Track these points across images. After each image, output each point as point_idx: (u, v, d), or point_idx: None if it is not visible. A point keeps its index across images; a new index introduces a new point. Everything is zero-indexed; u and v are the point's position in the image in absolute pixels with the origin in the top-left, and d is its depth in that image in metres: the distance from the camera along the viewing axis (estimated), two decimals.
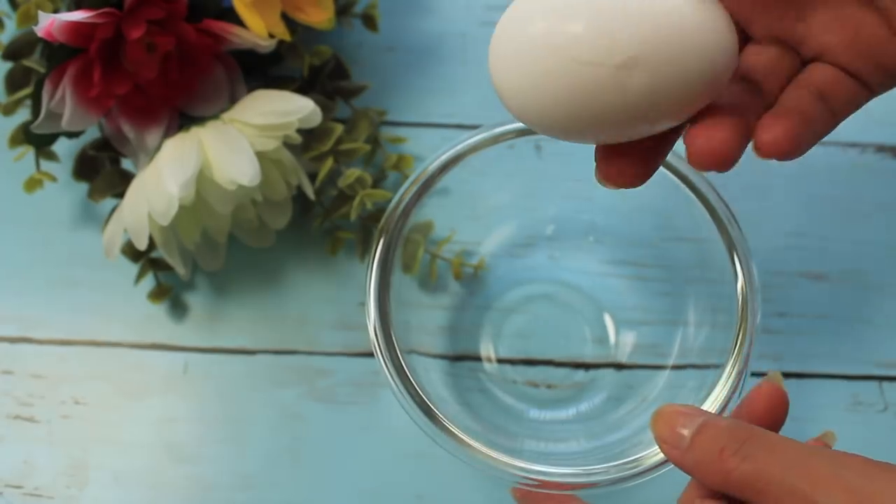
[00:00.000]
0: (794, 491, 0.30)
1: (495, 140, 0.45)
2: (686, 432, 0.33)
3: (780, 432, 0.34)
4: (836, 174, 0.54)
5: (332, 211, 0.50)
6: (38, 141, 0.48)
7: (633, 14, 0.30)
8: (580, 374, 0.49)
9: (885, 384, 0.50)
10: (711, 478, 0.32)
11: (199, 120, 0.47)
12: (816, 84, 0.33)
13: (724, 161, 0.32)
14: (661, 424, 0.34)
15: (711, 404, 0.41)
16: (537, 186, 0.49)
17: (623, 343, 0.49)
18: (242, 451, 0.48)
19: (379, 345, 0.41)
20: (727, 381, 0.41)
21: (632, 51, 0.30)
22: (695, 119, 0.32)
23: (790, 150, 0.32)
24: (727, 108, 0.33)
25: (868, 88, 0.34)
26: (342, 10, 0.52)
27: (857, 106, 0.34)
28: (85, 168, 0.50)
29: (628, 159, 0.34)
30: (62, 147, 0.49)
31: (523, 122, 0.33)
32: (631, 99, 0.31)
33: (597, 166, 0.34)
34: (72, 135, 0.48)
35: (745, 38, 0.34)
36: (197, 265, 0.50)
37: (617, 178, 0.34)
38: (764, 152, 0.32)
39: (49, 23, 0.42)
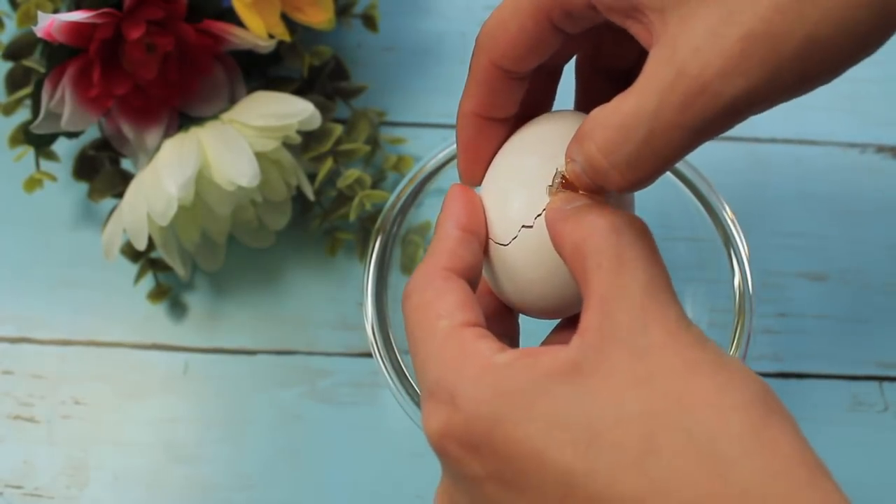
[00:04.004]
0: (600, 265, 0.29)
1: None
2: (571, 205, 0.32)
3: None
4: (836, 174, 0.54)
5: (331, 211, 0.50)
6: (38, 141, 0.48)
7: None
8: None
9: (885, 384, 0.50)
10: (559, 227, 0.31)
11: (199, 120, 0.47)
12: None
13: None
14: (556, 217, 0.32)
15: None
16: None
17: None
18: (242, 451, 0.48)
19: (377, 344, 0.41)
20: None
21: None
22: None
23: None
24: None
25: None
26: (342, 11, 0.52)
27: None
28: (85, 168, 0.50)
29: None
30: (62, 147, 0.49)
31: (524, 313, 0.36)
32: None
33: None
34: (71, 135, 0.48)
35: None
36: (196, 265, 0.50)
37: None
38: None
39: (49, 23, 0.42)
